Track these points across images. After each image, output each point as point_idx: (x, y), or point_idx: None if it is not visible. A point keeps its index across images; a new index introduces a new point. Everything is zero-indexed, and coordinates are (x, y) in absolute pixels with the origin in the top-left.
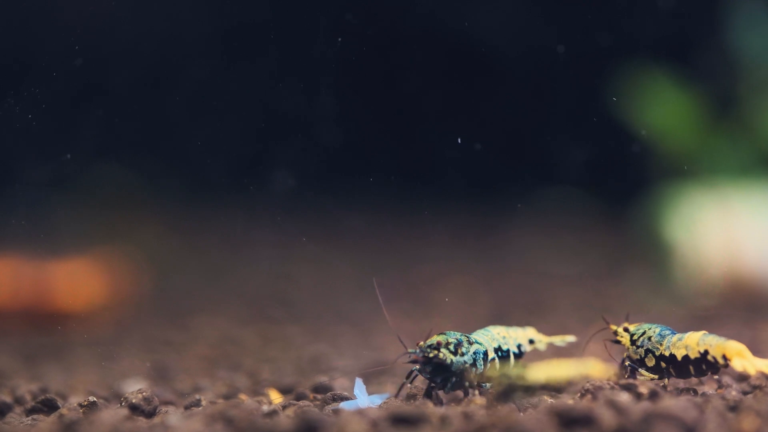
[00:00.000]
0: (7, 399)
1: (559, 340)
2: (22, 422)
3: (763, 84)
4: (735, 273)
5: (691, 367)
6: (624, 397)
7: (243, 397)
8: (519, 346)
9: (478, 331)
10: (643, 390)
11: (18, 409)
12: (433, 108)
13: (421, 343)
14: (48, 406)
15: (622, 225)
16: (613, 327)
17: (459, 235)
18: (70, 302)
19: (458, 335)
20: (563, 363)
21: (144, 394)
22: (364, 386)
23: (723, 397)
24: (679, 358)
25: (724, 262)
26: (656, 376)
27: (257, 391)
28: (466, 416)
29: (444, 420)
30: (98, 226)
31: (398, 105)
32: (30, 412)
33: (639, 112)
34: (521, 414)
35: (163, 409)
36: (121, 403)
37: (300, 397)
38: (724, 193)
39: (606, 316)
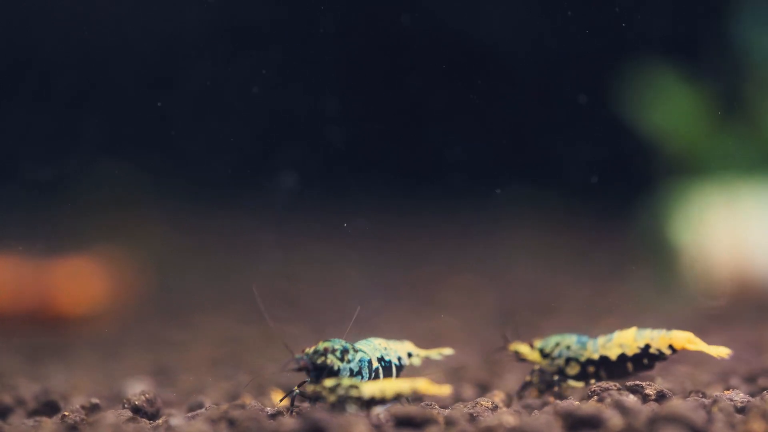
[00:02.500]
0: (9, 401)
1: (436, 353)
2: (23, 424)
3: None
4: (742, 272)
5: (629, 364)
6: (631, 399)
7: (247, 399)
8: (399, 359)
9: (360, 341)
10: (650, 392)
11: (20, 411)
12: (438, 107)
13: (307, 349)
14: (50, 408)
15: (628, 224)
16: (513, 346)
17: (463, 235)
18: (73, 302)
19: (343, 343)
20: (395, 380)
21: (147, 395)
22: None
23: (730, 399)
24: (614, 357)
25: (731, 261)
26: (582, 384)
27: (261, 391)
28: (472, 418)
29: (449, 421)
30: (101, 225)
31: (402, 104)
32: (32, 413)
33: (645, 110)
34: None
35: (166, 410)
36: (123, 405)
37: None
38: (730, 191)
39: (507, 333)
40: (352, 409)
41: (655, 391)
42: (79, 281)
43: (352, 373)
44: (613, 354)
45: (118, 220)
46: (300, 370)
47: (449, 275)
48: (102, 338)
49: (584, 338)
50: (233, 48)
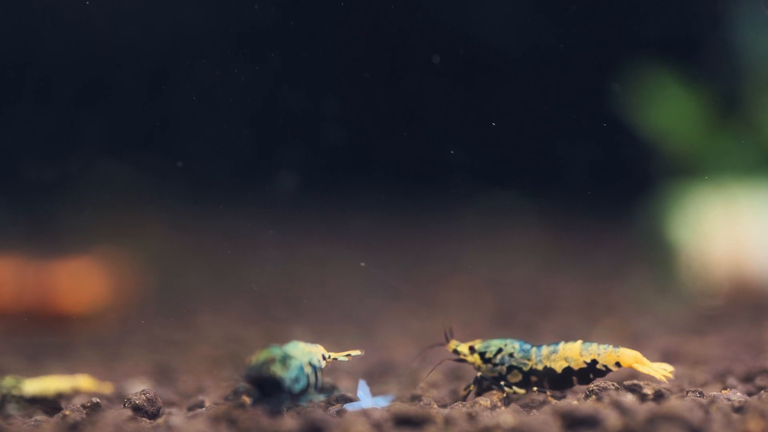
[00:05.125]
0: None
1: (343, 356)
2: (25, 423)
3: None
4: (740, 272)
5: (574, 378)
6: (629, 398)
7: (246, 399)
8: (318, 361)
9: (288, 344)
10: (648, 391)
11: None
12: (438, 107)
13: (252, 360)
14: (51, 407)
15: (628, 224)
16: (453, 345)
17: (463, 235)
18: (73, 302)
19: (281, 350)
20: (56, 377)
21: (147, 395)
22: (368, 388)
23: (728, 398)
24: (559, 370)
25: (729, 261)
26: (523, 391)
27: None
28: (470, 417)
29: (448, 421)
30: (102, 225)
31: (402, 104)
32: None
33: (644, 111)
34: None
35: (167, 410)
36: (124, 404)
37: None
38: (729, 192)
39: (447, 332)
40: (12, 409)
41: (653, 391)
42: (79, 281)
43: (293, 382)
44: (558, 367)
45: (118, 220)
46: (247, 382)
47: (449, 275)
48: (103, 338)
49: (527, 346)
50: (233, 48)
